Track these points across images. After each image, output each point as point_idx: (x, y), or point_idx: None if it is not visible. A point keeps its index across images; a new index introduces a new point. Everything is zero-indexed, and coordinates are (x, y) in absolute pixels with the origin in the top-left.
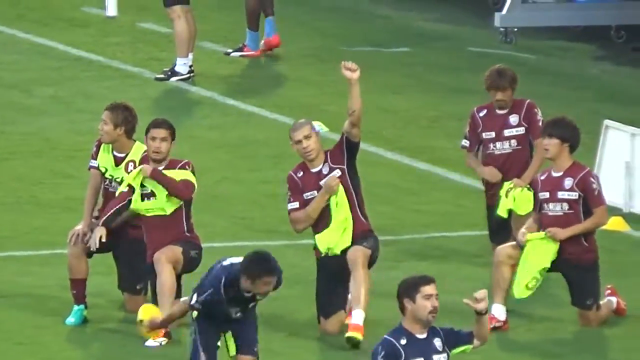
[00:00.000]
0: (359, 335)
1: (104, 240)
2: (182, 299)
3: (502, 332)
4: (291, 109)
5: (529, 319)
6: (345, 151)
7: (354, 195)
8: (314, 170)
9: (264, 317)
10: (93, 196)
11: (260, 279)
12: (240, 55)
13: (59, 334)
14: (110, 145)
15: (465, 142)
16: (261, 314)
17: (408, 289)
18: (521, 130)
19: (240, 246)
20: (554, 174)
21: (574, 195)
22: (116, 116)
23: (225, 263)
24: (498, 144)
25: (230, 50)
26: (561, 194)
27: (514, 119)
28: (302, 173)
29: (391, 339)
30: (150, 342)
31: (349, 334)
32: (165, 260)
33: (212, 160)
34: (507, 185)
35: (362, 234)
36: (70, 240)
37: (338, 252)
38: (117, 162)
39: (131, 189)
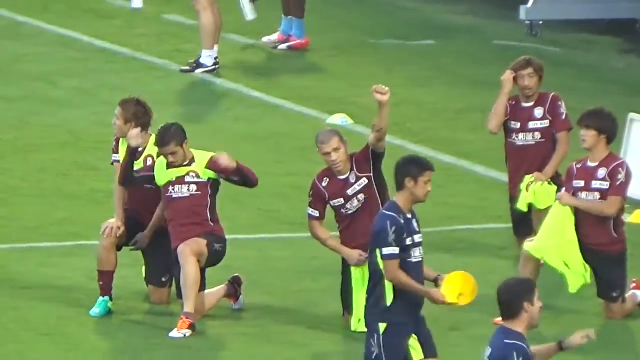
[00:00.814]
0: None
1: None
2: None
3: None
4: (317, 101)
5: (554, 311)
6: (372, 160)
7: (380, 202)
8: (340, 177)
9: (287, 309)
10: (122, 190)
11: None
12: (288, 47)
13: (83, 325)
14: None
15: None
16: (285, 306)
17: (412, 170)
18: (545, 123)
19: (265, 239)
20: (590, 164)
21: (606, 185)
22: (127, 112)
23: None
24: (521, 135)
25: (276, 43)
26: (594, 184)
27: (538, 111)
28: (327, 181)
29: (394, 215)
30: (174, 334)
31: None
32: (189, 253)
33: (237, 153)
34: (528, 178)
35: None
36: (103, 233)
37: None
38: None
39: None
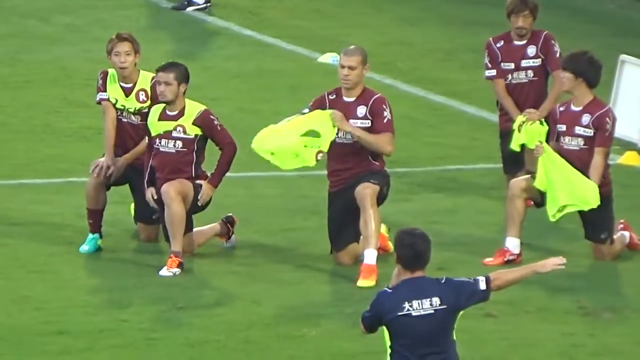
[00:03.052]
0: (370, 283)
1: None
2: None
3: (514, 266)
4: (308, 40)
5: (543, 252)
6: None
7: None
8: (346, 99)
9: (276, 247)
10: (112, 128)
11: None
12: None
13: (73, 262)
14: (116, 77)
15: (491, 72)
16: (274, 245)
17: None
18: (538, 61)
19: (255, 177)
20: (573, 108)
21: (589, 132)
22: (136, 44)
23: None
24: (515, 74)
25: None
26: (578, 130)
27: (531, 49)
28: (334, 96)
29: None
30: (163, 272)
31: (359, 283)
32: (173, 192)
33: (228, 91)
34: (520, 118)
35: (369, 171)
36: (92, 172)
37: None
38: (127, 92)
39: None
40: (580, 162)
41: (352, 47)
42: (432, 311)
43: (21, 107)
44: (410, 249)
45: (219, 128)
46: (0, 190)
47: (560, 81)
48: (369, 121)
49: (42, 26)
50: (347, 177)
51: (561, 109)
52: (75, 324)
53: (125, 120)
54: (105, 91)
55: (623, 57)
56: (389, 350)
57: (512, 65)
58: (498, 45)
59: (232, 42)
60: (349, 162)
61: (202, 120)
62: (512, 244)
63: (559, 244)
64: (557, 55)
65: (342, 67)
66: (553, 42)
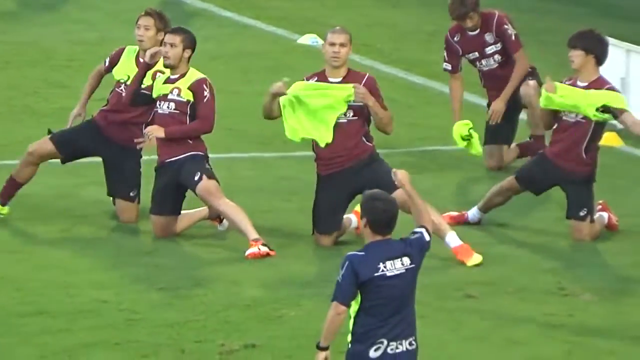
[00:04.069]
0: (477, 259)
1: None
2: None
3: (495, 247)
4: (288, 21)
5: (524, 232)
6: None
7: (365, 124)
8: (332, 80)
9: (257, 228)
10: (94, 81)
11: None
12: None
13: (52, 243)
14: (136, 53)
15: (447, 66)
16: (255, 225)
17: None
18: (499, 45)
19: (235, 158)
20: (579, 84)
21: None
22: (161, 21)
23: None
24: (484, 61)
25: None
26: None
27: (489, 37)
28: (316, 79)
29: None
30: (250, 250)
31: (469, 263)
32: (211, 195)
33: (207, 72)
34: (465, 126)
35: (369, 155)
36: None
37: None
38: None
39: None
40: (578, 134)
41: (337, 27)
42: (404, 270)
43: (1, 88)
44: (385, 214)
45: (204, 100)
46: None
47: (523, 60)
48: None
49: (20, 7)
50: (343, 160)
51: (567, 83)
52: (54, 305)
53: (123, 93)
54: (109, 59)
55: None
56: (353, 314)
57: (477, 54)
58: (455, 39)
59: (211, 24)
60: (345, 143)
61: (195, 86)
62: (472, 212)
63: (540, 224)
64: (513, 37)
65: (332, 44)
66: (506, 26)
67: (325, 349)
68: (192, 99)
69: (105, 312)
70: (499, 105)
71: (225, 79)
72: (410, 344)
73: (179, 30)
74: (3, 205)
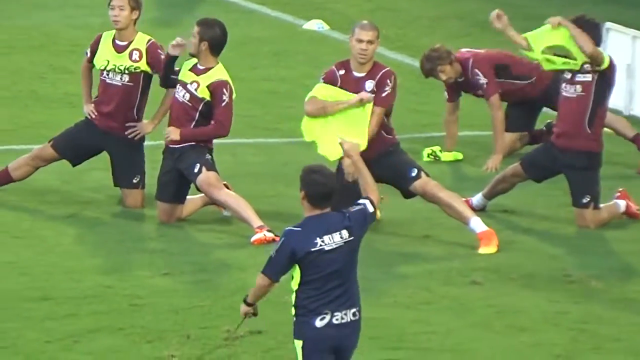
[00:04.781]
0: (492, 249)
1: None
2: None
3: (500, 233)
4: (293, 6)
5: (529, 219)
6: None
7: (384, 119)
8: (356, 74)
9: (262, 214)
10: (86, 76)
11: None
12: None
13: (56, 228)
14: (112, 35)
15: (446, 95)
16: (260, 211)
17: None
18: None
19: (240, 143)
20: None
21: (589, 77)
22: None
23: None
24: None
25: None
26: (578, 77)
27: (474, 81)
28: (344, 72)
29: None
30: (255, 237)
31: (482, 250)
32: (210, 186)
33: None
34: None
35: (390, 145)
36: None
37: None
38: (119, 49)
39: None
40: (580, 107)
41: (365, 21)
42: (343, 244)
43: (5, 74)
44: (324, 187)
45: (223, 104)
46: None
47: (497, 111)
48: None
49: None
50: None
51: None
52: (59, 290)
53: (110, 81)
54: (89, 48)
55: (608, 24)
56: (295, 287)
57: (473, 95)
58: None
59: (217, 9)
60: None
61: (214, 88)
62: (477, 198)
63: (546, 210)
64: (485, 85)
65: (360, 41)
66: (478, 77)
67: (251, 305)
68: (207, 98)
69: (110, 298)
70: (497, 159)
71: (231, 64)
72: (354, 314)
73: (200, 22)
74: None
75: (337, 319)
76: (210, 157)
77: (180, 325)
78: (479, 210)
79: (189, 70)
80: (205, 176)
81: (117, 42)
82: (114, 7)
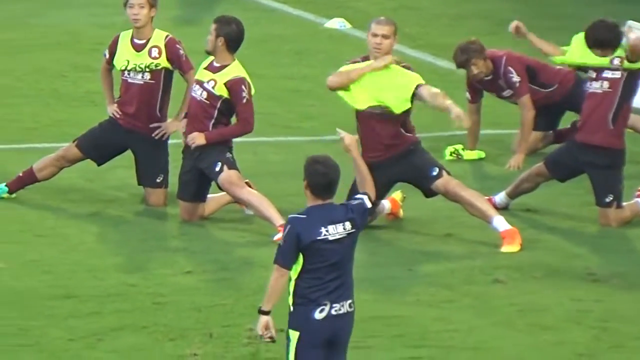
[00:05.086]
0: (515, 247)
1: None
2: None
3: (523, 232)
4: (314, 4)
5: (552, 217)
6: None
7: (404, 115)
8: None
9: (283, 212)
10: (106, 77)
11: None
12: None
13: (80, 226)
14: (130, 35)
15: (468, 95)
16: (281, 209)
17: None
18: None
19: (261, 142)
20: None
21: (617, 74)
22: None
23: None
24: (507, 99)
25: None
26: (606, 73)
27: (501, 82)
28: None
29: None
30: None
31: (504, 249)
32: (232, 185)
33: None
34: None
35: (411, 144)
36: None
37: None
38: (138, 48)
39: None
40: (605, 103)
41: (382, 17)
42: (345, 235)
43: (28, 71)
44: (324, 177)
45: (243, 101)
46: (7, 155)
47: (528, 110)
48: None
49: None
50: (383, 153)
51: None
52: (82, 288)
53: (131, 81)
54: (107, 49)
55: (630, 23)
56: (294, 276)
57: (496, 95)
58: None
59: (238, 7)
60: (384, 135)
61: (232, 85)
62: (500, 197)
63: (568, 209)
64: (517, 84)
65: (375, 35)
66: (510, 74)
67: (267, 313)
68: (225, 95)
69: (132, 296)
70: (520, 158)
71: (251, 62)
72: (350, 305)
73: (217, 19)
74: (10, 193)
75: (335, 310)
76: (230, 155)
77: (202, 324)
78: (502, 209)
79: (205, 68)
80: (227, 175)
81: (136, 40)
82: (133, 6)
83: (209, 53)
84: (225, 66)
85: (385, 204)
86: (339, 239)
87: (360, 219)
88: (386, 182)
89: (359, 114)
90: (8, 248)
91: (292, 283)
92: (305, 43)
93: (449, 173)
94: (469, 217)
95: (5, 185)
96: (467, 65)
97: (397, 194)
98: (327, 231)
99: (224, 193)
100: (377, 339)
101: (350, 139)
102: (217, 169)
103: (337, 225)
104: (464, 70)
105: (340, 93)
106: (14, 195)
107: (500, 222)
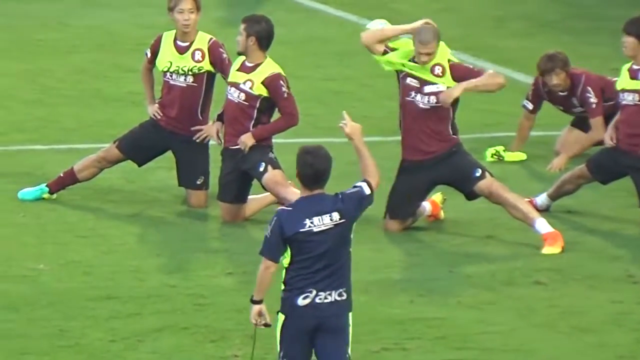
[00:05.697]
0: (556, 249)
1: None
2: None
3: (564, 233)
4: (356, 6)
5: (594, 219)
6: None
7: (449, 113)
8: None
9: None
10: (146, 77)
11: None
12: None
13: (121, 227)
14: (173, 36)
15: (528, 104)
16: None
17: None
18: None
19: (303, 143)
20: (635, 67)
21: None
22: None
23: None
24: (568, 112)
25: None
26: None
27: (575, 100)
28: None
29: None
30: None
31: (545, 250)
32: (276, 185)
33: (276, 57)
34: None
35: (453, 146)
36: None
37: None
38: (181, 50)
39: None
40: (638, 116)
41: (424, 30)
42: (333, 226)
43: (70, 72)
44: (311, 168)
45: (285, 96)
46: (49, 155)
47: (598, 131)
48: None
49: None
50: (426, 149)
51: (635, 67)
52: (123, 289)
53: (173, 82)
54: (150, 49)
55: None
56: (285, 265)
57: (562, 108)
58: (545, 89)
59: (280, 8)
60: (428, 131)
61: (270, 82)
62: (541, 198)
63: (610, 211)
64: (593, 106)
65: (420, 54)
66: (588, 94)
67: (258, 302)
68: (264, 94)
69: (173, 297)
70: (563, 159)
71: (294, 63)
72: (340, 294)
73: (245, 19)
74: (51, 194)
75: (320, 299)
76: (273, 155)
77: (243, 325)
78: (543, 211)
79: (238, 70)
80: (271, 174)
81: (179, 42)
82: (183, 11)
83: (240, 54)
84: (259, 65)
85: (426, 205)
86: (325, 230)
87: (352, 207)
88: (428, 184)
89: (404, 107)
90: (49, 249)
91: (283, 271)
92: (348, 44)
93: (491, 175)
94: (510, 218)
95: (46, 186)
96: (550, 74)
97: (437, 196)
98: (311, 223)
99: (266, 194)
100: (418, 341)
101: (351, 127)
102: (262, 169)
103: (324, 216)
104: (530, 79)
105: (377, 57)
106: (54, 196)
107: (542, 225)
